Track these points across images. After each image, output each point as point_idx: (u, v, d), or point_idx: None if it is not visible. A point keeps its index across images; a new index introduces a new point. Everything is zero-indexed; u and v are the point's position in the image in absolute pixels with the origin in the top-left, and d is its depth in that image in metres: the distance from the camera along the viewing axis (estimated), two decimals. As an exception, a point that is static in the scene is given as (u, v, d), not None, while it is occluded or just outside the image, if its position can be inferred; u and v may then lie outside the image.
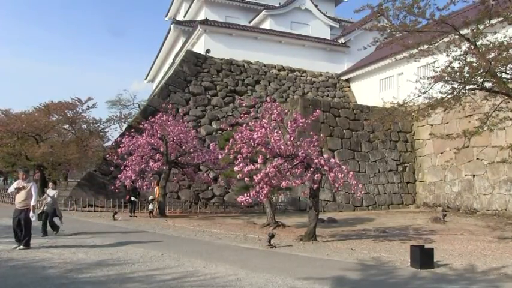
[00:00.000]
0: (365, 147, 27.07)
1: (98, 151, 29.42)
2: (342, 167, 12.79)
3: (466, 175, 23.56)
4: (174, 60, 38.94)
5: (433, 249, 9.87)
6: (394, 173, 27.18)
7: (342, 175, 12.48)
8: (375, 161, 26.94)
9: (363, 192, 12.55)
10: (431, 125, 25.93)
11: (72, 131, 31.38)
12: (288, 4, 38.88)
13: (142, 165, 20.15)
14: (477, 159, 22.88)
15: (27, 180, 11.03)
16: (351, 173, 12.62)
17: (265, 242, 12.26)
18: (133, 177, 19.85)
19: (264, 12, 38.12)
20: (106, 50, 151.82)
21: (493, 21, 12.75)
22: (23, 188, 10.76)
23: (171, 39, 43.74)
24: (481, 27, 12.69)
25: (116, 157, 20.38)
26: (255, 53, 34.05)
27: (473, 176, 23.07)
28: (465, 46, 13.13)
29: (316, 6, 39.71)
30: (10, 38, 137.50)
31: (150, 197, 20.73)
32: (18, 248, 10.44)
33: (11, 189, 11.62)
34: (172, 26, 40.19)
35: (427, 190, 26.34)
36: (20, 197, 10.76)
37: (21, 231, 10.63)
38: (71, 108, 30.09)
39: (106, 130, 34.56)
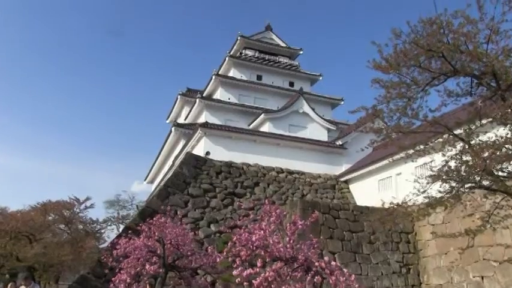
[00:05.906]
0: (366, 249, 26.37)
1: (93, 253, 28.76)
2: (344, 270, 12.36)
3: (474, 276, 22.65)
4: (173, 162, 39.45)
5: None
6: (398, 276, 26.18)
7: (344, 278, 12.01)
8: (377, 263, 26.10)
9: (366, 297, 12.02)
10: (433, 225, 25.51)
11: (68, 231, 30.95)
12: (286, 108, 40.38)
13: (138, 268, 19.49)
14: (484, 259, 22.18)
15: (31, 285, 10.64)
16: (353, 276, 12.16)
17: None
18: (128, 281, 19.09)
19: (262, 115, 39.44)
20: (107, 152, 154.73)
21: (484, 121, 13.12)
22: None
23: (172, 142, 44.78)
24: (473, 127, 13.01)
25: (111, 259, 19.79)
26: (254, 156, 34.56)
27: (482, 277, 22.16)
28: (460, 145, 13.36)
29: (313, 109, 41.23)
30: (14, 138, 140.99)
31: (145, 304, 19.76)
32: None
33: None
34: (173, 129, 41.42)
35: (434, 294, 25.22)
36: None
37: None
38: (68, 208, 30.03)
39: (102, 231, 34.20)
